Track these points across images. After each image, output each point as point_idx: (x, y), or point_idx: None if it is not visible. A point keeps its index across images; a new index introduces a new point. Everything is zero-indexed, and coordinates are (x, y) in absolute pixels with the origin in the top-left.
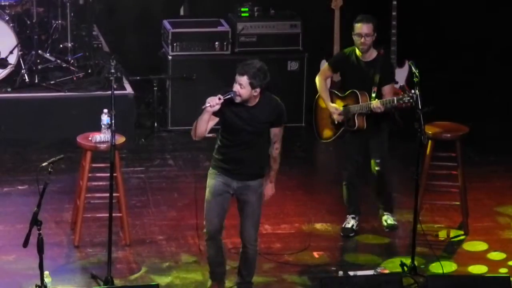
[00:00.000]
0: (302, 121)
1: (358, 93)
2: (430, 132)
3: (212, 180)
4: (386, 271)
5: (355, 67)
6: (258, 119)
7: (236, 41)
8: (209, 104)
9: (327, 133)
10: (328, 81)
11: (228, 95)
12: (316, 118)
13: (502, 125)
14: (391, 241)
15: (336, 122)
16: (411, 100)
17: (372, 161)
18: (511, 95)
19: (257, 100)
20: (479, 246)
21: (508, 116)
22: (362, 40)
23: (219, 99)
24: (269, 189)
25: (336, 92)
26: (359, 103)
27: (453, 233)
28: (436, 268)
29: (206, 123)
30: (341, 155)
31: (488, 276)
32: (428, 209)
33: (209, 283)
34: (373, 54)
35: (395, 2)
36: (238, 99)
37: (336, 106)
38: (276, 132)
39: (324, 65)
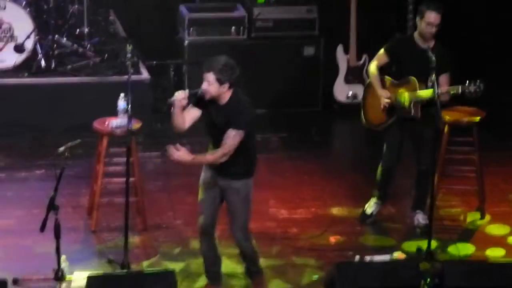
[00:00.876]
0: (319, 106)
1: (415, 80)
2: (447, 117)
3: (203, 172)
4: (403, 256)
5: (413, 54)
6: (223, 118)
7: (253, 26)
8: (174, 98)
9: (377, 119)
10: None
11: (195, 91)
12: (366, 104)
13: None
14: (408, 226)
15: (388, 109)
16: (477, 90)
17: (416, 161)
18: None
19: (227, 98)
20: (496, 230)
21: None
22: (434, 30)
23: (184, 93)
24: (180, 152)
25: (389, 78)
26: (417, 89)
27: (470, 217)
28: (454, 250)
29: (178, 117)
30: (378, 144)
31: (504, 262)
32: (445, 194)
33: (206, 281)
34: (432, 42)
35: None
36: (207, 96)
37: (386, 91)
38: (229, 133)
39: (380, 52)
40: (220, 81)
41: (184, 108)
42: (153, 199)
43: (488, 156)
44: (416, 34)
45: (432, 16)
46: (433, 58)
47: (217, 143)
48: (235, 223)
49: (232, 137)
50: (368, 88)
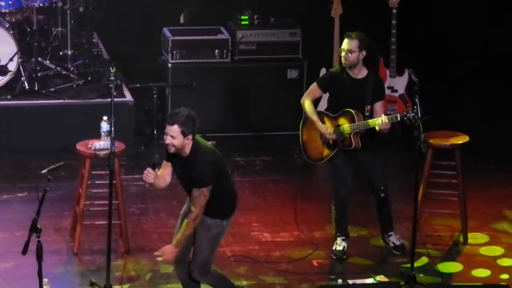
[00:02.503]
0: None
1: (353, 112)
2: (430, 141)
3: (186, 205)
4: (385, 279)
5: (346, 85)
6: (189, 171)
7: (236, 49)
8: (146, 181)
9: (318, 154)
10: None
11: (152, 162)
12: (304, 140)
13: (502, 134)
14: (391, 250)
15: (329, 143)
16: (416, 117)
17: (372, 189)
18: (511, 103)
19: (188, 151)
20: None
21: (507, 124)
22: (343, 54)
23: (148, 172)
24: (167, 249)
25: (326, 112)
26: (355, 122)
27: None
28: (443, 268)
29: (158, 181)
30: (331, 178)
31: (486, 285)
32: (427, 218)
33: None
34: (363, 71)
35: (395, 11)
36: (172, 149)
37: (327, 126)
38: (194, 194)
39: (312, 86)
40: (184, 133)
41: (156, 175)
42: (135, 221)
43: (471, 180)
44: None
45: (343, 42)
46: (416, 80)
47: (189, 191)
48: (195, 259)
49: (198, 197)
50: (304, 124)
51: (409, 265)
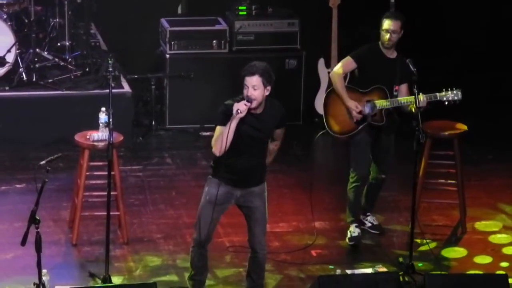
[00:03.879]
0: (300, 119)
1: (385, 89)
2: (428, 131)
3: (213, 190)
4: (384, 269)
5: (380, 63)
6: (268, 124)
7: (234, 40)
8: (238, 110)
9: (344, 127)
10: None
11: (248, 99)
12: (328, 113)
13: (500, 123)
14: (390, 240)
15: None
16: (455, 98)
17: (376, 169)
18: (509, 93)
19: (264, 104)
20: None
21: (506, 114)
22: (388, 36)
23: (245, 104)
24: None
25: (354, 87)
26: (388, 98)
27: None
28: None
29: (233, 132)
30: (348, 156)
31: (485, 274)
32: (426, 208)
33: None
34: (394, 52)
35: (393, 1)
36: (254, 104)
37: (356, 104)
38: (278, 132)
39: (345, 59)
40: (264, 84)
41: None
42: (134, 212)
43: (469, 169)
44: (380, 44)
45: (386, 23)
46: (414, 70)
47: (247, 153)
48: (261, 227)
49: (282, 132)
50: (330, 96)
51: (408, 253)
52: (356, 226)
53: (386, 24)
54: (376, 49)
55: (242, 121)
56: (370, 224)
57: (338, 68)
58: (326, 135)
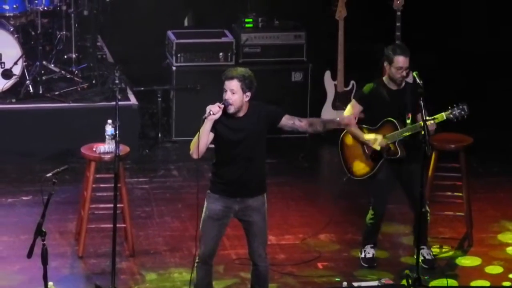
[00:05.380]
0: (306, 132)
1: (394, 120)
2: (434, 143)
3: (212, 205)
4: (390, 282)
5: (385, 98)
6: (250, 129)
7: (240, 52)
8: (210, 111)
9: (363, 169)
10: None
11: (224, 102)
12: (345, 157)
13: (506, 136)
14: (396, 253)
15: (374, 155)
16: (462, 112)
17: (412, 199)
18: None
19: (246, 109)
20: (477, 261)
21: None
22: (402, 72)
23: (219, 106)
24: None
25: (365, 126)
26: (398, 129)
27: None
28: (440, 283)
29: (208, 134)
30: (368, 190)
31: (491, 286)
32: (432, 220)
33: None
34: (402, 82)
35: (399, 13)
36: (231, 109)
37: (374, 136)
38: (286, 119)
39: (351, 103)
40: (244, 89)
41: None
42: (140, 225)
43: (475, 182)
44: (385, 79)
45: (400, 61)
46: (421, 82)
47: (236, 160)
48: (259, 240)
49: (291, 117)
50: (344, 141)
51: (414, 263)
52: (371, 247)
53: (401, 62)
54: (378, 86)
55: (222, 125)
56: (422, 258)
57: (347, 111)
58: (351, 180)
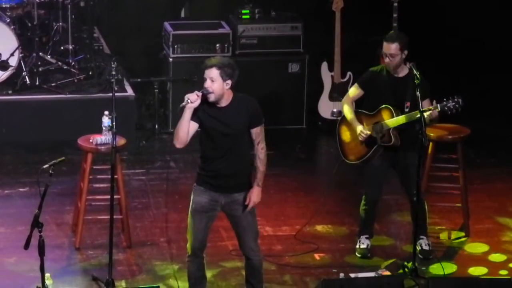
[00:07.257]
0: (303, 123)
1: (391, 108)
2: (431, 134)
3: (198, 197)
4: (388, 273)
5: (386, 83)
6: (234, 119)
7: (237, 43)
8: (188, 99)
9: (356, 154)
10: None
11: (203, 90)
12: (342, 142)
13: (503, 127)
14: (393, 243)
15: (368, 141)
16: (457, 105)
17: (407, 189)
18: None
19: (229, 99)
20: (479, 247)
21: (509, 117)
22: (387, 60)
23: (197, 94)
24: (254, 194)
25: (362, 111)
26: (394, 117)
27: (454, 234)
28: (437, 269)
29: (188, 124)
30: (364, 180)
31: (489, 278)
32: (429, 211)
33: None
34: (405, 70)
35: (396, 4)
36: (212, 97)
37: (362, 129)
38: (257, 131)
39: (353, 86)
40: (223, 77)
41: (195, 112)
42: (137, 216)
43: (472, 173)
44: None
45: (384, 46)
46: (418, 74)
47: (220, 152)
48: (249, 234)
49: (262, 132)
50: (341, 124)
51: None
52: (366, 238)
53: (384, 48)
54: (380, 71)
55: (210, 117)
56: (419, 248)
57: (346, 95)
58: (344, 165)
